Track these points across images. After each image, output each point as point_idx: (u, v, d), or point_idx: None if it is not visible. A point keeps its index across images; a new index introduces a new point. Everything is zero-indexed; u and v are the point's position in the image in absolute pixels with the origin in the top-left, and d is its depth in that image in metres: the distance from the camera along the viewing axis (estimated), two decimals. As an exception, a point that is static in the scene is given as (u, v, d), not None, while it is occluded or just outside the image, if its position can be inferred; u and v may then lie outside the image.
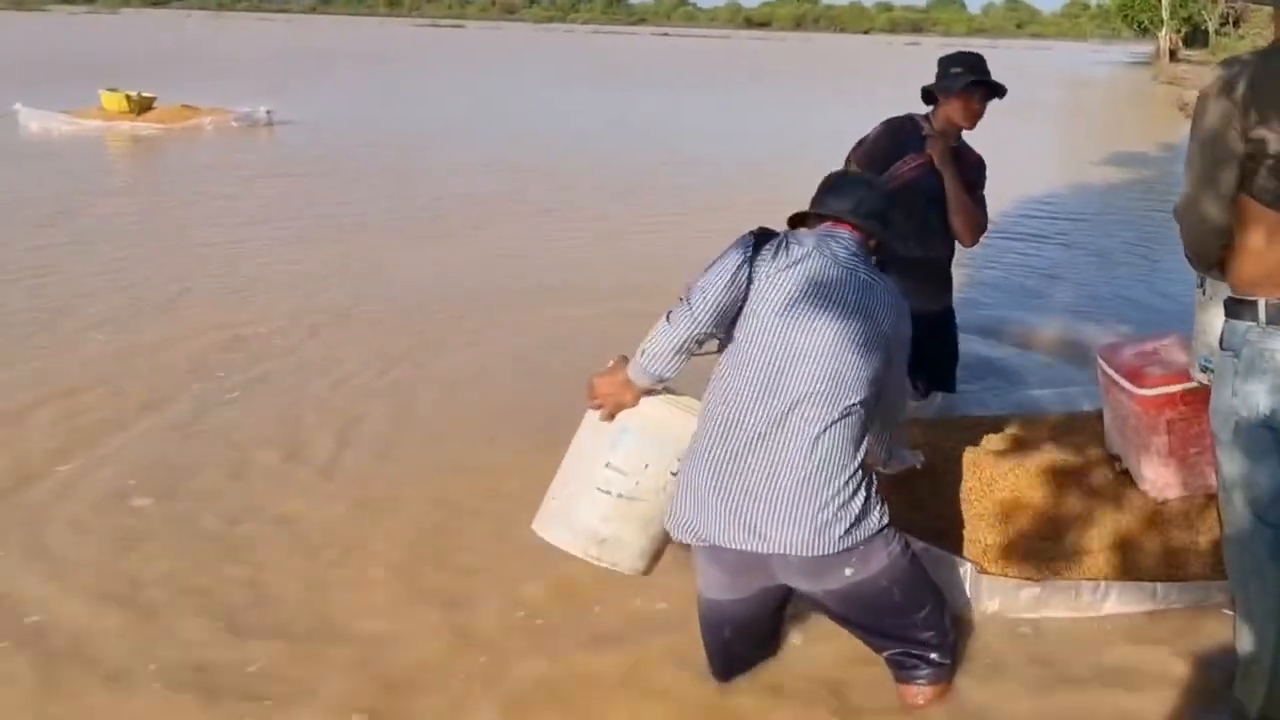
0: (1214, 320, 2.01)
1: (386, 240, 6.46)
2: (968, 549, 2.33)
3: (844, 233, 1.87)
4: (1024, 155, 11.22)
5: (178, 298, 4.93)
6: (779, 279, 1.79)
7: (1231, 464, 1.87)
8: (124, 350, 4.10)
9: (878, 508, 1.79)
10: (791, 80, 28.43)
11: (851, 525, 1.72)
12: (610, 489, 1.82)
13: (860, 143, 2.91)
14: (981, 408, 3.08)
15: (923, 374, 3.08)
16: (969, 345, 4.13)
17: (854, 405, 1.77)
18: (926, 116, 2.87)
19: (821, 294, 1.79)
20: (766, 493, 1.71)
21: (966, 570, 2.24)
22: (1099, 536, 2.36)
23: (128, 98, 12.15)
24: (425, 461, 3.12)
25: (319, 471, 3.03)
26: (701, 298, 1.78)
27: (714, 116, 16.92)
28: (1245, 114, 1.64)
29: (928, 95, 2.85)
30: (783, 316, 1.78)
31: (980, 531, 2.37)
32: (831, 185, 1.98)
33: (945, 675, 1.89)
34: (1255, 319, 1.76)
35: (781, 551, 1.71)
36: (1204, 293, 2.12)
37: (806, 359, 1.75)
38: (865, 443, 1.81)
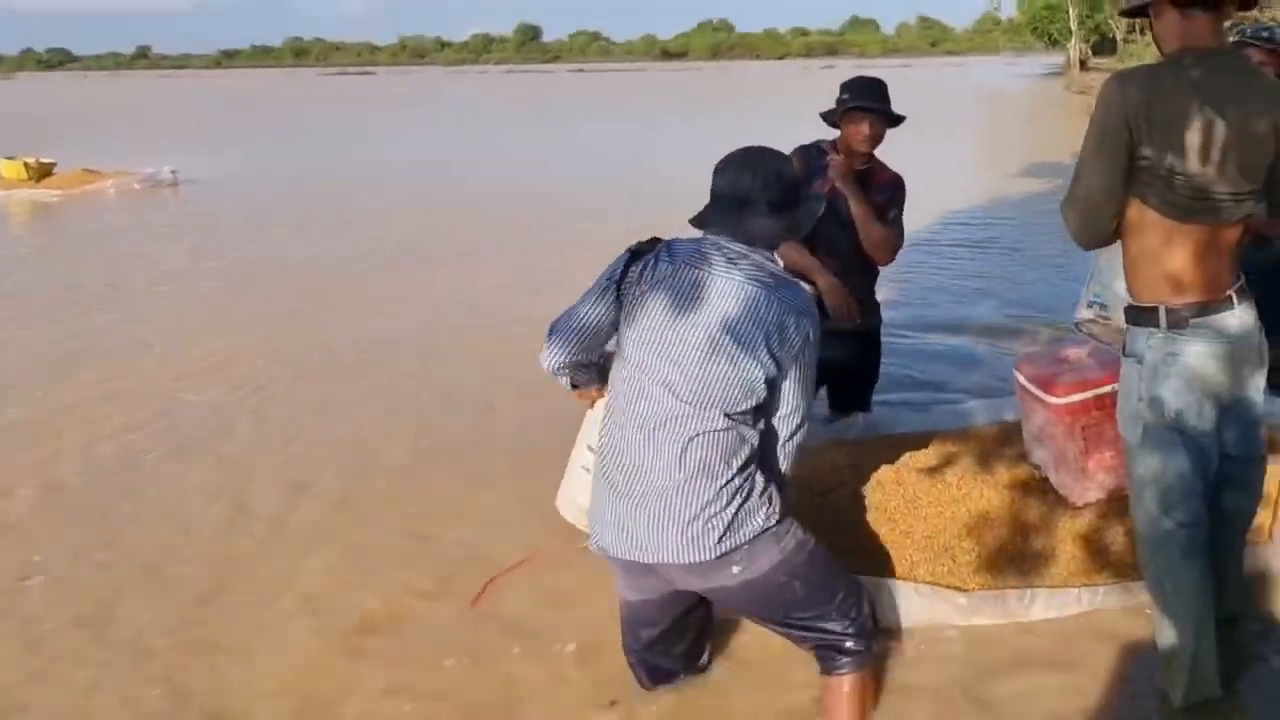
0: (1112, 260, 2.16)
1: (304, 289, 6.45)
2: (896, 567, 2.35)
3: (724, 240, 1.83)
4: (945, 168, 11.62)
5: (81, 359, 4.82)
6: (643, 299, 1.80)
7: (1141, 466, 1.93)
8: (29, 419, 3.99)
9: (765, 508, 1.79)
10: (711, 106, 29.05)
11: (727, 530, 1.74)
12: (589, 467, 2.02)
13: None
14: (905, 424, 3.10)
15: (838, 394, 3.15)
16: (899, 358, 4.23)
17: (729, 416, 1.77)
18: (833, 142, 2.95)
19: (686, 307, 1.77)
20: (643, 504, 1.77)
21: (893, 584, 2.27)
22: (1023, 545, 2.39)
23: (26, 165, 11.85)
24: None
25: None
26: (559, 334, 1.89)
27: (633, 143, 17.34)
28: (1135, 129, 1.74)
29: (828, 120, 2.93)
30: (640, 338, 1.80)
31: (907, 550, 2.38)
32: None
33: (864, 662, 1.89)
34: (1156, 325, 1.84)
35: (660, 561, 1.76)
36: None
37: (666, 377, 1.77)
38: (749, 450, 1.80)
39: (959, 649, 2.20)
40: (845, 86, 2.87)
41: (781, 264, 2.03)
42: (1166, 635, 1.93)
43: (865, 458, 2.75)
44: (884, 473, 2.62)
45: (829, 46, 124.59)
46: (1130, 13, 1.96)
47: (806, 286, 2.35)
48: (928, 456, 2.69)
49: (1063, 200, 1.92)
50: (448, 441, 3.63)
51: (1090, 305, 2.56)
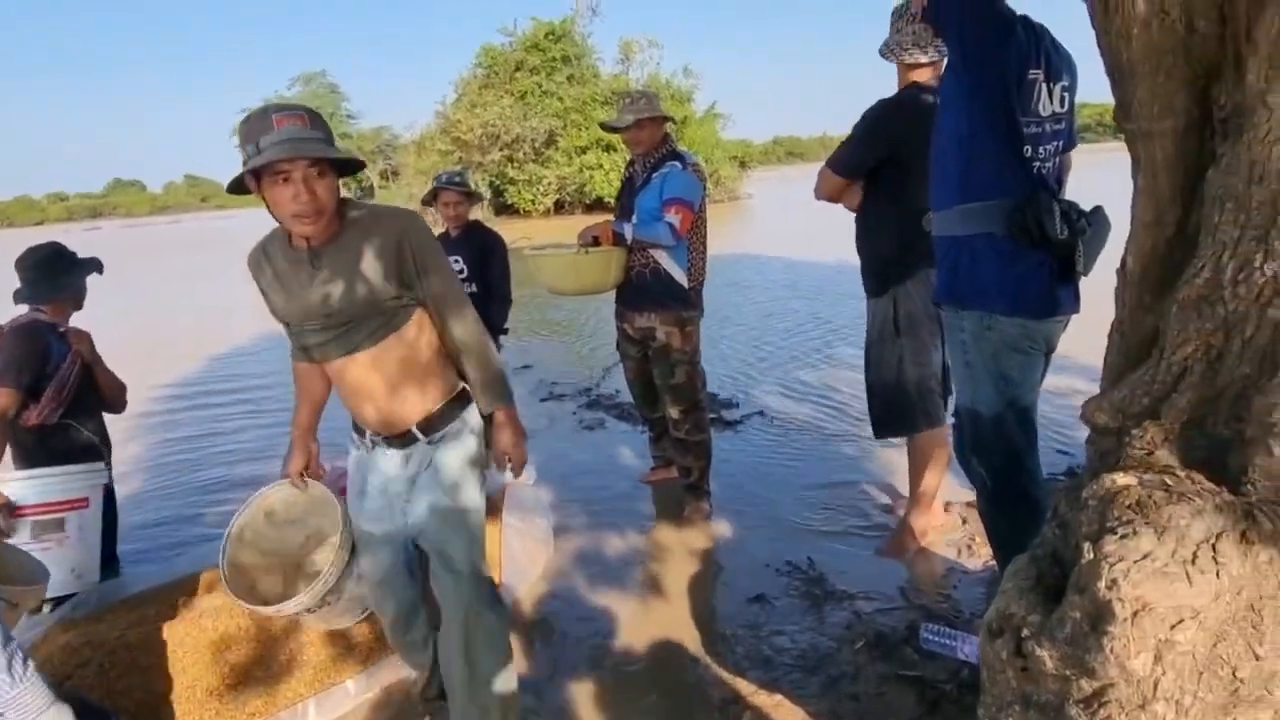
0: None
1: None
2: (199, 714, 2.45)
3: None
4: (224, 313, 11.48)
5: None
6: None
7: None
8: None
9: None
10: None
11: None
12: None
13: None
14: (144, 580, 3.12)
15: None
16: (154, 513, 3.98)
17: None
18: None
19: None
20: None
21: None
22: (286, 661, 2.53)
23: None
24: None
25: None
26: None
27: None
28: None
29: None
30: None
31: (186, 704, 2.48)
32: None
33: None
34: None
35: None
36: None
37: None
38: None
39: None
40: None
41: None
42: None
43: (108, 632, 2.59)
44: (132, 637, 2.52)
45: (92, 209, 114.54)
46: (235, 190, 2.16)
47: None
48: (173, 606, 2.70)
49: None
50: None
51: None
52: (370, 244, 2.01)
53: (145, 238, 47.51)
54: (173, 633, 2.61)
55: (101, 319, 2.97)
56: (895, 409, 3.43)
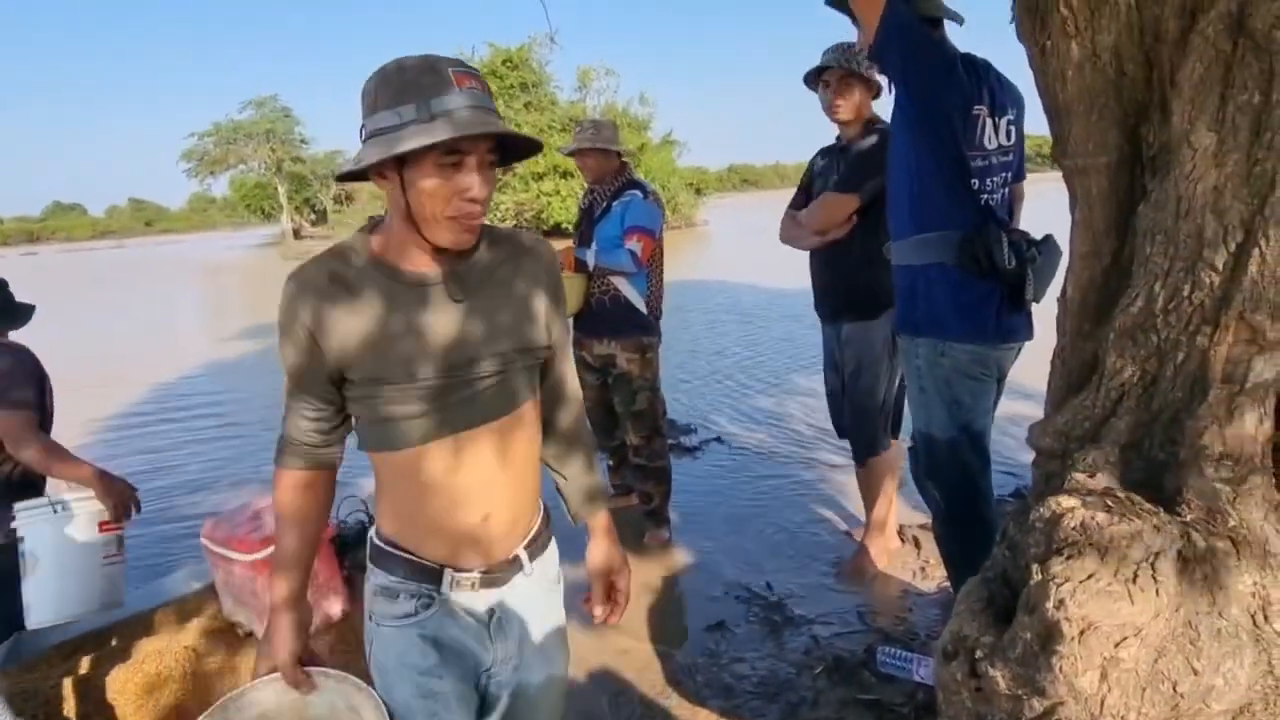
0: None
1: None
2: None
3: None
4: (169, 341, 11.25)
5: None
6: None
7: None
8: None
9: None
10: None
11: None
12: None
13: None
14: (73, 628, 2.95)
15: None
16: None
17: None
18: None
19: None
20: None
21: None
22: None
23: None
24: None
25: None
26: None
27: None
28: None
29: None
30: None
31: None
32: None
33: None
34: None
35: None
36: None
37: None
38: None
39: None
40: None
41: None
42: None
43: (41, 681, 2.54)
44: (67, 685, 2.45)
45: (30, 233, 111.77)
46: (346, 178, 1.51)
47: None
48: (109, 650, 2.61)
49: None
50: None
51: None
52: (525, 271, 1.46)
53: (82, 262, 46.38)
54: (112, 679, 2.52)
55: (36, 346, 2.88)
56: (873, 430, 3.46)
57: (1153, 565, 1.27)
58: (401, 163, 1.27)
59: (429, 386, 1.36)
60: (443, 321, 1.36)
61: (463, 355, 1.37)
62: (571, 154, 3.80)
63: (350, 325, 1.33)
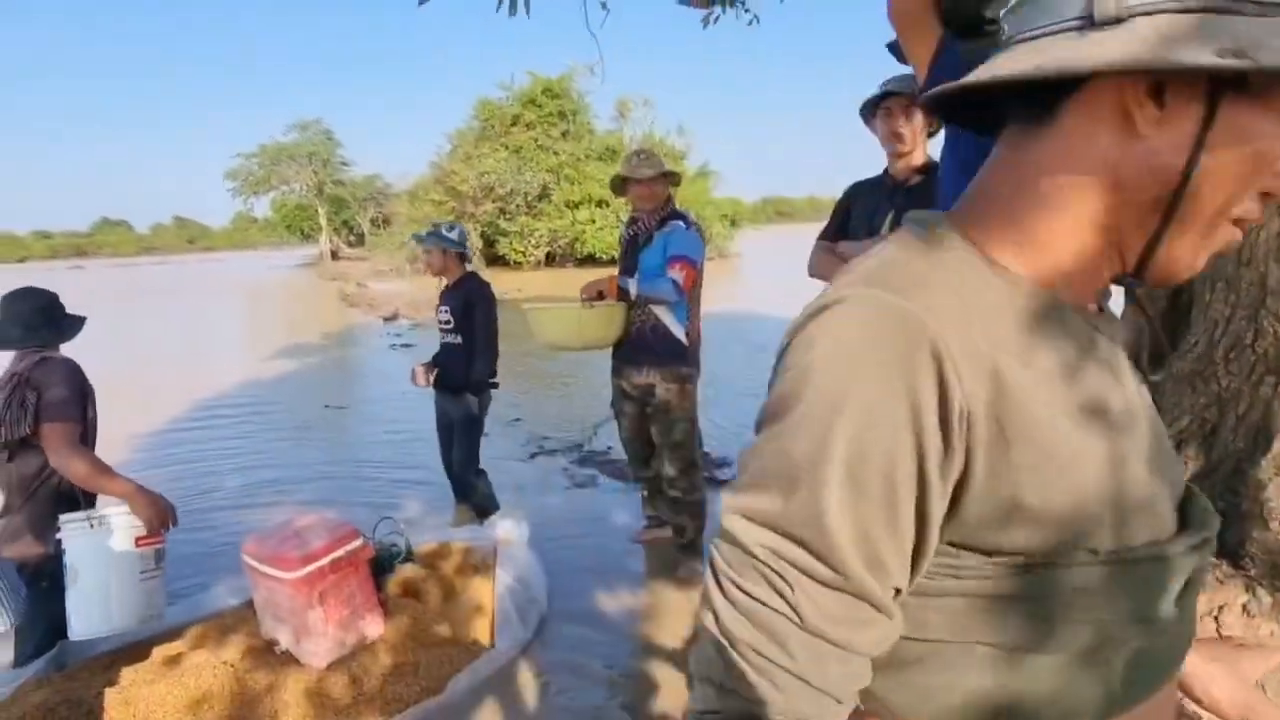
0: None
1: None
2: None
3: None
4: (209, 358, 11.45)
5: None
6: None
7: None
8: None
9: None
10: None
11: None
12: None
13: None
14: (121, 637, 2.96)
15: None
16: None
17: None
18: None
19: None
20: None
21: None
22: (267, 719, 2.47)
23: None
24: None
25: None
26: None
27: None
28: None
29: None
30: None
31: None
32: None
33: None
34: None
35: None
36: None
37: None
38: None
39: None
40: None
41: None
42: None
43: (83, 690, 2.52)
44: (110, 696, 2.44)
45: (77, 248, 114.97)
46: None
47: None
48: (152, 666, 2.68)
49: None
50: None
51: None
52: None
53: (129, 278, 47.41)
54: (152, 691, 2.54)
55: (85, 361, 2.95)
56: None
57: (1216, 619, 1.25)
58: (1214, 91, 0.62)
59: (1162, 553, 0.70)
60: (1139, 418, 0.74)
61: (1171, 474, 0.76)
62: (642, 181, 3.76)
63: (1052, 408, 0.67)
